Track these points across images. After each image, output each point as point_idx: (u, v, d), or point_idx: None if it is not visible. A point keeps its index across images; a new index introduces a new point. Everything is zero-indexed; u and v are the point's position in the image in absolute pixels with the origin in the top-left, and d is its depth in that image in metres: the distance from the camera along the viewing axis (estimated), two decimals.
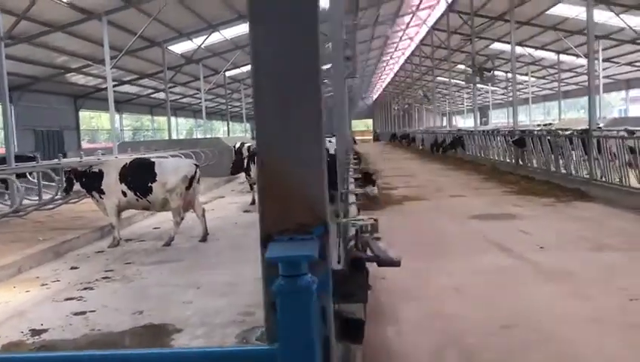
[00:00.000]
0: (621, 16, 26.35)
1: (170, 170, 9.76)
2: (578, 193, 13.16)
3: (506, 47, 38.16)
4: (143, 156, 13.66)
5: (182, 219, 9.88)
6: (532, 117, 57.38)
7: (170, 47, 27.49)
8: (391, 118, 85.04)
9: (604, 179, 12.58)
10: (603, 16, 27.49)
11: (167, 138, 30.40)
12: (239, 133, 58.11)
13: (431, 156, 32.07)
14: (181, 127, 61.78)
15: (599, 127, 23.82)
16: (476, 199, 13.66)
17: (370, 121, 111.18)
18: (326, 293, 1.24)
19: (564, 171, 14.79)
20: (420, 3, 35.48)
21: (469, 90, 63.31)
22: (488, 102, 64.38)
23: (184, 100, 46.41)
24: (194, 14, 23.58)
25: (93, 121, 42.30)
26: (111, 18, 20.27)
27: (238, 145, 22.89)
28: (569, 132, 16.19)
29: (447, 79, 39.68)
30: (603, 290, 5.87)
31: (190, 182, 9.85)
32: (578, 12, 27.59)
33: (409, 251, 8.13)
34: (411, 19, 40.27)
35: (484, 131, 25.24)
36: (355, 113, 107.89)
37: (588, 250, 7.81)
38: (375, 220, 1.94)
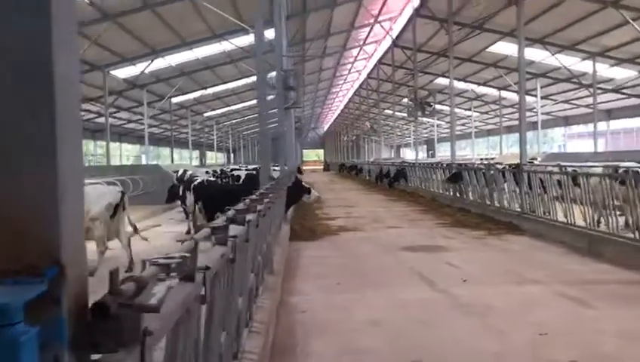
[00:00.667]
0: (556, 55, 27.46)
1: (93, 197, 9.39)
2: (510, 226, 13.40)
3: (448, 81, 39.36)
4: None
5: (106, 248, 9.50)
6: (477, 151, 59.01)
7: (112, 72, 27.02)
8: (341, 149, 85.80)
9: (534, 212, 12.84)
10: (540, 55, 28.64)
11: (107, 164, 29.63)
12: (187, 161, 57.77)
13: (376, 187, 32.34)
14: (129, 152, 60.91)
15: (530, 162, 24.67)
16: (411, 231, 13.73)
17: (321, 151, 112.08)
18: (60, 342, 1.09)
19: (497, 204, 15.06)
20: (366, 37, 36.11)
21: (417, 124, 64.85)
22: (434, 135, 65.84)
23: (129, 126, 45.60)
24: (137, 40, 23.29)
25: None
26: None
27: (180, 173, 22.58)
28: (502, 166, 16.54)
29: (393, 112, 40.33)
30: (516, 325, 5.87)
31: (115, 210, 9.51)
32: (515, 50, 28.62)
33: (336, 283, 8.13)
34: (359, 52, 40.93)
35: (424, 164, 25.59)
36: (307, 143, 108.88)
37: (510, 283, 7.87)
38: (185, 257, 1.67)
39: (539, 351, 5.10)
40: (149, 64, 26.19)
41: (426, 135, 75.73)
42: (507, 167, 15.83)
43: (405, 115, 35.01)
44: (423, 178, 24.23)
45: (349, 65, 46.21)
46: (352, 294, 7.42)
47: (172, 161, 42.21)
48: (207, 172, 25.07)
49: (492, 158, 33.79)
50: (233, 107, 48.83)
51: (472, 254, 10.32)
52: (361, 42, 37.70)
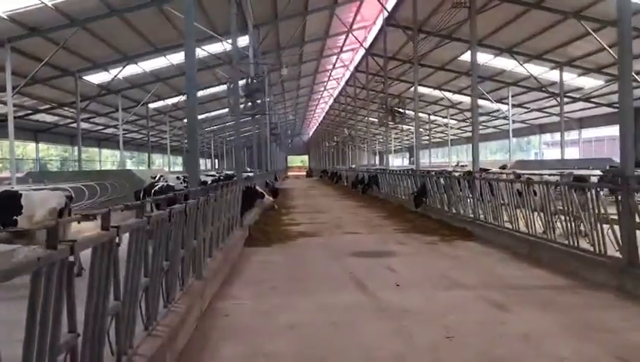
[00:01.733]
0: (525, 65, 27.85)
1: (37, 202, 9.45)
2: (464, 232, 13.62)
3: (426, 90, 39.75)
4: (10, 188, 13.15)
5: None
6: (459, 158, 59.48)
7: (85, 77, 27.02)
8: (324, 155, 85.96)
9: (484, 219, 13.06)
10: (510, 65, 29.03)
11: (82, 168, 29.61)
12: (171, 167, 57.85)
13: (351, 193, 32.55)
14: (115, 158, 60.77)
15: (502, 167, 24.98)
16: (368, 236, 13.91)
17: (306, 157, 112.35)
18: None
19: (454, 211, 15.27)
20: (342, 45, 36.37)
21: (398, 131, 65.25)
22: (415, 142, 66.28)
23: (108, 131, 45.45)
24: (107, 46, 23.33)
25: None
26: (16, 45, 19.76)
27: (157, 177, 22.77)
28: (457, 174, 16.76)
29: (375, 119, 40.61)
30: (428, 328, 6.02)
31: (59, 214, 9.56)
32: (485, 59, 29.01)
33: (274, 287, 8.26)
34: (336, 60, 41.20)
35: (393, 171, 25.83)
36: (292, 149, 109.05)
37: (441, 288, 8.04)
38: None
39: (436, 354, 5.26)
40: (121, 70, 26.19)
41: (407, 142, 76.09)
42: (462, 174, 16.04)
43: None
44: (393, 185, 24.44)
45: (328, 73, 46.46)
46: (282, 299, 7.55)
47: (149, 166, 42.11)
48: (177, 177, 25.15)
49: (465, 165, 34.05)
50: (214, 113, 48.82)
51: (416, 259, 10.51)
52: (338, 50, 37.94)
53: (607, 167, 21.55)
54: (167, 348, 4.89)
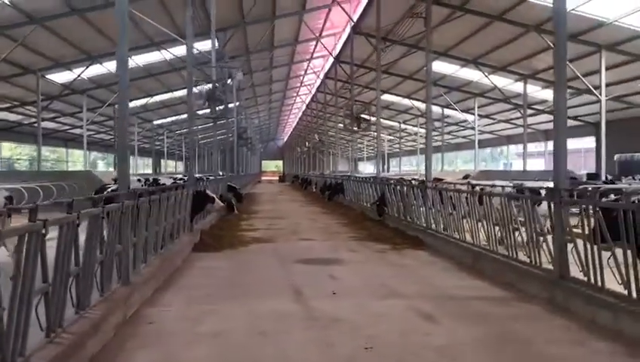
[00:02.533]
0: (491, 76, 28.18)
1: None
2: (416, 241, 13.64)
3: (395, 98, 40.00)
4: None
5: None
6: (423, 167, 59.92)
7: (48, 76, 26.59)
8: (297, 161, 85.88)
9: (435, 228, 13.10)
10: (476, 76, 29.34)
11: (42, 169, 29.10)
12: (141, 169, 57.47)
13: (318, 199, 32.46)
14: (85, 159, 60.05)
15: (466, 176, 25.18)
16: (322, 243, 13.84)
17: (281, 162, 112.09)
18: None
19: (409, 219, 15.30)
20: (313, 52, 36.37)
21: (371, 138, 65.51)
22: (389, 149, 66.75)
23: (75, 131, 44.74)
24: (70, 45, 22.99)
25: None
26: None
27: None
28: (413, 183, 16.78)
29: (335, 126, 40.68)
30: (350, 338, 5.96)
31: None
32: (453, 70, 29.30)
33: (209, 294, 8.13)
34: (307, 66, 41.19)
35: (357, 178, 25.85)
36: (266, 154, 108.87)
37: (376, 297, 7.99)
38: None
39: None
40: (85, 69, 25.82)
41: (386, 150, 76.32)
42: (415, 183, 16.09)
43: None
44: (356, 192, 24.45)
45: (299, 79, 46.43)
46: (214, 306, 7.43)
47: (114, 167, 41.58)
48: (138, 179, 24.90)
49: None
50: (184, 115, 48.42)
51: (361, 268, 10.46)
52: (309, 56, 37.94)
53: (584, 179, 21.96)
54: (70, 356, 4.75)
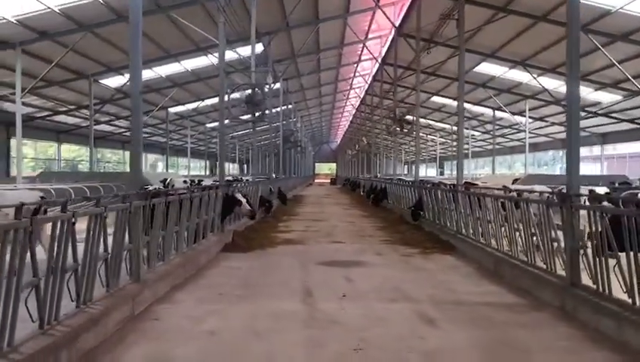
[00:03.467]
0: (540, 78, 27.45)
1: (10, 201, 9.73)
2: (446, 245, 13.48)
3: (447, 101, 39.47)
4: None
5: None
6: (477, 170, 58.80)
7: (102, 81, 27.70)
8: (348, 163, 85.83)
9: (465, 233, 12.91)
10: (525, 77, 28.62)
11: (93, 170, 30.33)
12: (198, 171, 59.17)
13: (363, 203, 32.42)
14: (146, 161, 62.38)
15: (473, 183, 24.53)
16: (351, 246, 13.86)
17: (334, 165, 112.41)
18: None
19: (443, 224, 15.13)
20: (360, 54, 36.40)
21: (424, 141, 64.80)
22: (442, 152, 65.95)
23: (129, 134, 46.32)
24: (120, 51, 23.85)
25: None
26: (28, 48, 20.43)
27: (169, 180, 23.46)
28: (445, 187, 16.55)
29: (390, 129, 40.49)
30: (343, 340, 5.99)
31: (34, 213, 9.82)
32: (502, 72, 28.69)
33: (222, 293, 8.33)
34: (355, 69, 41.23)
35: (398, 182, 25.64)
36: (320, 157, 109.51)
37: (385, 300, 7.98)
38: None
39: None
40: None
41: (434, 153, 75.36)
42: (449, 187, 15.85)
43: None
44: (397, 195, 24.30)
45: (349, 82, 46.52)
46: (222, 305, 7.61)
47: (167, 169, 42.96)
48: (184, 181, 25.65)
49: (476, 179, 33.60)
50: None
51: (381, 271, 10.43)
52: (357, 59, 37.99)
53: (617, 184, 21.04)
54: (62, 348, 4.99)
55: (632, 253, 5.92)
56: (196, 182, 24.77)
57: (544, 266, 8.29)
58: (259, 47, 27.02)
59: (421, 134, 56.97)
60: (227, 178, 30.41)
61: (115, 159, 56.92)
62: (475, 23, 22.27)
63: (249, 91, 19.92)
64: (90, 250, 5.90)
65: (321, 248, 13.54)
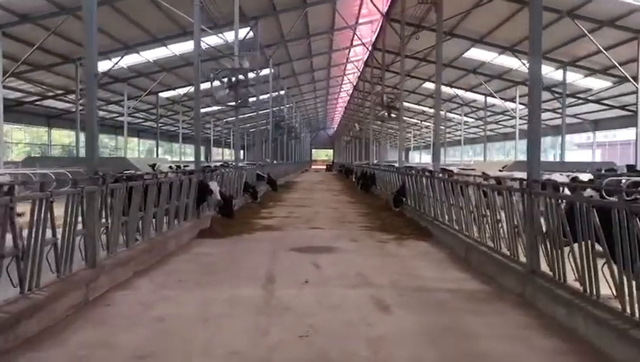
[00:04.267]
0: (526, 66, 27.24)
1: None
2: (425, 231, 13.42)
3: (444, 88, 39.22)
4: None
5: None
6: (475, 157, 58.65)
7: None
8: (347, 149, 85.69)
9: (441, 219, 12.85)
10: (515, 63, 28.46)
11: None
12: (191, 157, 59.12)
13: (353, 189, 32.32)
14: (143, 146, 62.35)
15: (448, 169, 24.48)
16: (329, 232, 13.78)
17: (331, 151, 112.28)
18: None
19: (422, 210, 15.07)
20: (352, 40, 36.14)
21: (419, 128, 64.71)
22: (440, 139, 65.75)
23: (121, 119, 46.16)
24: (106, 35, 23.66)
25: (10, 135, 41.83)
26: (9, 31, 20.24)
27: (157, 166, 23.61)
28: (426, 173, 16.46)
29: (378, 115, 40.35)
30: (291, 327, 5.93)
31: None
32: (491, 57, 28.50)
33: (183, 280, 8.26)
34: (348, 54, 40.98)
35: (383, 168, 25.55)
36: (317, 143, 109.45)
37: (346, 286, 7.91)
38: None
39: (273, 353, 5.19)
40: (121, 58, 26.58)
41: (429, 139, 75.26)
42: (426, 173, 15.78)
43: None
44: (385, 181, 24.24)
45: (342, 67, 46.26)
46: (178, 291, 7.56)
47: (157, 154, 42.89)
48: (170, 166, 25.72)
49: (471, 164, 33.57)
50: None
51: (351, 257, 10.36)
52: (349, 44, 37.73)
53: (603, 171, 21.00)
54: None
55: (583, 242, 5.85)
56: (182, 167, 24.85)
57: (508, 253, 8.23)
58: (246, 32, 26.85)
59: (415, 121, 57.08)
60: (217, 163, 30.46)
61: (113, 145, 56.88)
62: (462, 8, 22.08)
63: (236, 77, 19.83)
64: (35, 235, 5.82)
65: (299, 234, 13.48)
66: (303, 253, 10.71)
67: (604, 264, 5.50)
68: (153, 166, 24.70)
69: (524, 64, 27.03)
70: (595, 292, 5.70)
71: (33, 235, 5.79)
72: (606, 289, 5.55)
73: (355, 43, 37.15)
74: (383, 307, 6.82)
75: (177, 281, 8.17)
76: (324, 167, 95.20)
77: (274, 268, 9.17)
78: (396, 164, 33.00)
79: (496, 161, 42.26)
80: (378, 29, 30.58)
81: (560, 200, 6.43)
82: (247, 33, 24.94)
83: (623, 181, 15.24)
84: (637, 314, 4.97)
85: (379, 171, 26.87)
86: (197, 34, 15.79)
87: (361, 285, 8.04)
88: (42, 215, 5.91)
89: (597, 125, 38.84)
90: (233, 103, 19.25)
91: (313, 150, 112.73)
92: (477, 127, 53.49)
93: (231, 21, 22.18)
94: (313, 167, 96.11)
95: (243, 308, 6.74)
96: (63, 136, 48.47)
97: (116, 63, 27.00)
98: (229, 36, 25.46)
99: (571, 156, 46.52)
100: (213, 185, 13.17)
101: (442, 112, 49.93)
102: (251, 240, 12.44)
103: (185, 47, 28.79)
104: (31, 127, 40.99)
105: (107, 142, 54.43)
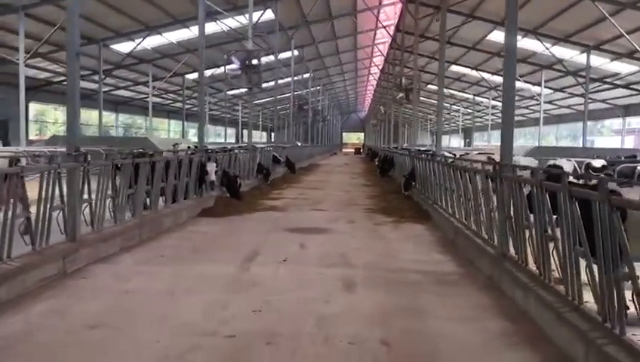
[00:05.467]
0: (554, 48, 26.69)
1: None
2: (425, 215, 13.42)
3: (465, 70, 38.72)
4: None
5: None
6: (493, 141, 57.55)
7: (113, 47, 28.01)
8: (378, 132, 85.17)
9: (440, 203, 12.83)
10: (539, 47, 27.85)
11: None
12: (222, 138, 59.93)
13: (373, 172, 32.27)
14: (178, 128, 63.34)
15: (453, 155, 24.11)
16: (330, 214, 13.87)
17: (362, 135, 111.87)
18: None
19: (427, 194, 15.03)
20: (376, 22, 35.81)
21: (449, 112, 63.94)
22: (472, 124, 64.89)
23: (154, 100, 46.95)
24: (127, 16, 24.03)
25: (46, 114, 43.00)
26: (32, 12, 20.77)
27: (179, 146, 24.15)
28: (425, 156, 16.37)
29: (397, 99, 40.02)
30: (249, 303, 6.04)
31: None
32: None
33: (165, 256, 8.50)
34: (374, 36, 40.66)
35: (400, 151, 25.43)
36: (348, 126, 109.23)
37: (322, 266, 8.01)
38: None
39: (224, 325, 5.32)
40: (142, 40, 26.97)
41: (462, 124, 74.19)
42: (428, 157, 15.70)
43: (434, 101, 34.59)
44: (401, 165, 24.16)
45: (369, 50, 45.93)
46: (156, 266, 7.78)
47: (183, 135, 43.55)
48: (189, 146, 26.11)
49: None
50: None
51: (340, 238, 10.44)
52: (373, 27, 37.42)
53: (622, 158, 20.54)
54: None
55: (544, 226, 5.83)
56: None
57: (487, 237, 8.23)
58: (269, 14, 26.95)
59: (445, 104, 56.32)
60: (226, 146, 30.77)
61: (148, 125, 57.79)
62: None
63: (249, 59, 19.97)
64: (6, 208, 6.09)
65: (299, 215, 13.62)
66: (295, 234, 10.84)
67: (554, 248, 5.50)
68: (175, 145, 25.21)
69: (547, 48, 26.47)
70: (547, 276, 5.70)
71: (3, 209, 6.06)
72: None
73: (380, 25, 36.83)
74: (349, 286, 6.92)
75: (160, 257, 8.41)
76: (350, 150, 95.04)
77: (259, 247, 9.33)
78: (425, 148, 32.94)
79: (520, 145, 41.38)
80: (399, 11, 30.27)
81: (523, 185, 6.40)
82: (262, 14, 24.98)
83: (639, 168, 15.00)
84: (577, 298, 4.96)
85: (397, 155, 26.76)
86: (201, 21, 15.96)
87: (338, 265, 8.15)
88: (13, 189, 6.16)
89: (627, 110, 37.76)
90: (246, 87, 19.40)
91: (344, 133, 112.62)
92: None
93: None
94: (344, 150, 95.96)
95: (212, 283, 6.92)
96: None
97: (138, 44, 27.40)
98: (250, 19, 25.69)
99: (604, 142, 45.43)
100: (210, 166, 13.36)
101: (471, 96, 49.40)
102: (249, 220, 12.63)
103: (207, 28, 29.01)
104: (63, 106, 41.97)
105: (141, 123, 55.25)
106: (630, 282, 4.07)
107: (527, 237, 6.37)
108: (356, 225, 12.16)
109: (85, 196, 7.98)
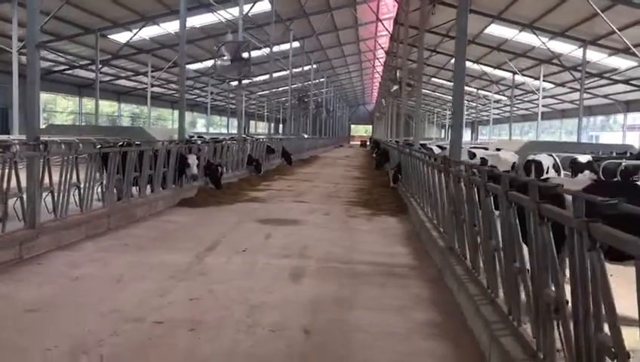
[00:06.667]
0: (551, 42, 26.56)
1: None
2: (403, 208, 13.53)
3: (467, 63, 38.51)
4: None
5: None
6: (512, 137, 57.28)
7: (110, 37, 28.21)
8: (385, 125, 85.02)
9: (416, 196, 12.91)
10: (537, 41, 27.71)
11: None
12: (219, 128, 60.00)
13: (370, 166, 32.30)
14: (187, 118, 63.37)
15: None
16: (309, 206, 13.99)
17: (370, 127, 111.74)
18: None
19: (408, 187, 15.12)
20: (377, 15, 35.77)
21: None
22: (478, 118, 64.76)
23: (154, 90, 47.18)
24: (123, 7, 24.21)
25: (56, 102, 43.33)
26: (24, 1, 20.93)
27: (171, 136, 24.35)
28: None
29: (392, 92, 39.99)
30: (190, 290, 6.21)
31: None
32: (511, 33, 27.84)
33: (127, 244, 8.67)
34: (376, 29, 40.61)
35: (390, 145, 25.45)
36: (356, 118, 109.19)
37: (279, 256, 8.13)
38: None
39: (150, 312, 5.49)
40: (139, 30, 27.16)
41: (469, 118, 73.89)
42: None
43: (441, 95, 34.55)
44: (395, 159, 24.18)
45: (370, 42, 45.87)
46: (113, 254, 7.91)
47: (181, 125, 43.47)
48: (191, 136, 26.45)
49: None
50: (260, 77, 49.43)
51: (309, 230, 10.53)
52: (374, 18, 37.35)
53: (614, 154, 20.52)
54: None
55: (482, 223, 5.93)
56: (203, 138, 25.54)
57: (442, 230, 8.33)
58: (266, 5, 27.01)
59: (447, 97, 56.17)
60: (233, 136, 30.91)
61: (154, 115, 58.09)
62: None
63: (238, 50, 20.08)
64: None
65: (278, 207, 13.76)
66: (265, 225, 10.97)
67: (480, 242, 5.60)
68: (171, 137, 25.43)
69: (543, 43, 26.35)
70: (477, 269, 5.80)
71: None
72: None
73: (381, 18, 36.78)
74: (296, 277, 7.05)
75: (122, 245, 8.58)
76: (357, 142, 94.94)
77: (224, 238, 9.48)
78: (428, 143, 32.91)
79: (519, 140, 41.31)
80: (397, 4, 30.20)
81: (460, 178, 6.49)
82: (254, 4, 25.04)
83: (623, 164, 15.03)
84: (494, 292, 5.07)
85: (392, 149, 26.78)
86: (183, 16, 16.13)
87: (293, 256, 8.27)
88: None
89: (629, 106, 37.51)
90: (236, 78, 19.56)
91: (352, 126, 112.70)
92: (508, 105, 52.30)
93: None
94: (351, 142, 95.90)
95: (162, 272, 7.06)
96: (105, 106, 49.88)
97: (135, 34, 27.59)
98: (246, 10, 25.77)
99: (612, 138, 45.14)
100: (192, 159, 13.51)
101: (474, 90, 49.22)
102: (226, 211, 12.79)
103: (205, 19, 29.19)
104: (67, 96, 42.35)
105: (147, 113, 55.54)
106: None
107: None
108: (330, 217, 12.27)
109: (48, 185, 8.16)
